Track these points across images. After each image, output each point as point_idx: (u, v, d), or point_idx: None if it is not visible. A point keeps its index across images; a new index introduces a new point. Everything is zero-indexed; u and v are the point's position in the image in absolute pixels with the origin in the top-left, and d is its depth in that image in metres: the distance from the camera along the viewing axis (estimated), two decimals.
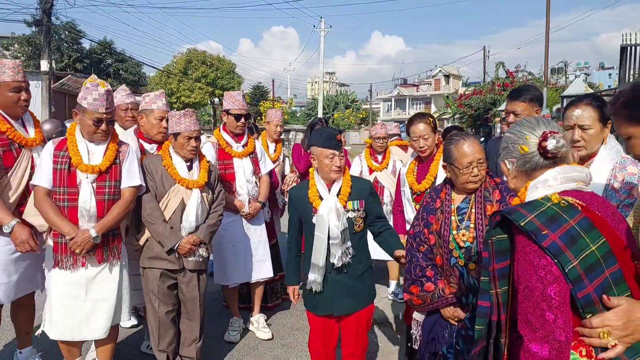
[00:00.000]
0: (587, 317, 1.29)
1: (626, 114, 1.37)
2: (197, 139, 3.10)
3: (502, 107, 15.12)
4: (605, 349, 1.27)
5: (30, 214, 2.82)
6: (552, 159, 1.49)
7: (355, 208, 2.67)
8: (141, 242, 3.13)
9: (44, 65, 17.36)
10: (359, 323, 2.75)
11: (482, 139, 12.04)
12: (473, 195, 2.36)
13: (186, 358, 3.23)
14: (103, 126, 2.77)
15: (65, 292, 2.78)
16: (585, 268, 1.27)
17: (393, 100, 60.51)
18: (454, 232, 2.32)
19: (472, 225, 2.29)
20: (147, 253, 3.10)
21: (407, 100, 57.69)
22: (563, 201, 1.37)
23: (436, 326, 2.40)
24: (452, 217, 2.35)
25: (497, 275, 1.42)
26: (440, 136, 3.45)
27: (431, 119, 3.22)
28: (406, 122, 3.57)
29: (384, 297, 4.89)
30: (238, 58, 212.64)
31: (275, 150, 5.02)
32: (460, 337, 2.31)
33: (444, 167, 2.42)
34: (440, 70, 54.86)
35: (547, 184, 1.45)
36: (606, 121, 2.24)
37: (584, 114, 2.23)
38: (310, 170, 2.80)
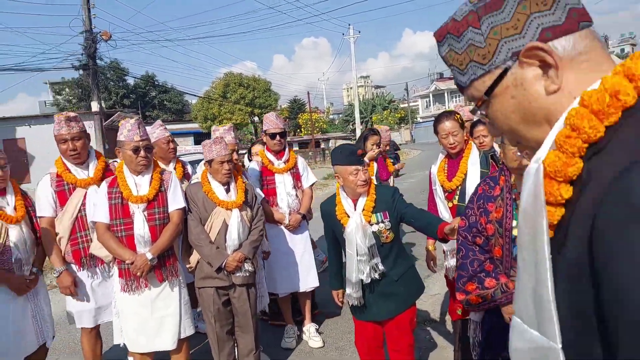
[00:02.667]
0: None
1: None
2: (229, 162, 3.30)
3: None
4: None
5: (96, 247, 3.15)
6: None
7: (379, 220, 2.71)
8: (192, 264, 3.36)
9: (95, 106, 18.49)
10: (401, 324, 2.80)
11: None
12: None
13: None
14: (142, 153, 3.03)
15: (134, 311, 3.09)
16: None
17: (431, 96, 59.71)
18: None
19: None
20: (199, 274, 3.32)
21: (446, 94, 56.72)
22: None
23: (494, 330, 2.23)
24: (517, 202, 2.16)
25: None
26: (467, 132, 3.46)
27: (458, 116, 3.23)
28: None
29: (435, 295, 4.95)
30: (273, 75, 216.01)
31: None
32: None
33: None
34: None
35: None
36: None
37: None
38: (337, 185, 2.88)
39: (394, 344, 2.84)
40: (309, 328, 4.22)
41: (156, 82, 43.36)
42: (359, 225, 2.67)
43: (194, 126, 31.80)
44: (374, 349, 2.90)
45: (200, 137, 29.92)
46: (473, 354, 2.41)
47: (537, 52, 0.72)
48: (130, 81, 43.66)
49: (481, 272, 2.21)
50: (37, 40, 78.09)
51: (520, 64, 0.74)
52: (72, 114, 3.28)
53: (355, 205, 2.75)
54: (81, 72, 28.63)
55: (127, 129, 3.03)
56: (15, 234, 2.98)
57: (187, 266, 3.40)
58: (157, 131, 3.96)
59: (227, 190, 3.35)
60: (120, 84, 42.96)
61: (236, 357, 3.49)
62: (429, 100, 60.28)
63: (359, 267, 2.68)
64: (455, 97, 54.70)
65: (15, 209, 3.04)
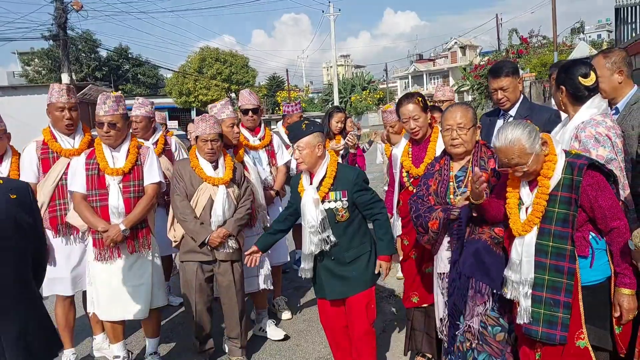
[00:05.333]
0: None
1: None
2: (214, 141, 3.30)
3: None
4: None
5: (72, 216, 3.23)
6: None
7: (337, 198, 2.76)
8: (177, 238, 3.40)
9: (65, 78, 18.02)
10: (356, 308, 2.82)
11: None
12: (470, 163, 2.55)
13: (232, 339, 3.49)
14: (105, 128, 3.13)
15: (106, 280, 3.17)
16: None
17: (410, 77, 59.86)
18: (451, 196, 2.54)
19: (468, 192, 2.42)
20: (184, 248, 3.37)
21: (425, 76, 56.99)
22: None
23: (455, 282, 2.52)
24: (450, 184, 2.56)
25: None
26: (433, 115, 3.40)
27: (420, 99, 3.05)
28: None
29: (401, 279, 5.10)
30: (252, 52, 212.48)
31: None
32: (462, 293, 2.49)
33: None
34: (455, 42, 53.91)
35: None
36: (557, 87, 2.53)
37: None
38: None
39: (351, 327, 2.89)
40: (278, 301, 4.37)
41: (130, 55, 42.23)
42: (311, 198, 2.77)
43: (168, 101, 31.18)
44: (339, 328, 2.96)
45: (175, 113, 29.41)
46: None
47: None
48: (103, 53, 42.44)
49: (429, 210, 2.59)
50: (5, 9, 74.65)
51: None
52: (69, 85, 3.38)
53: (312, 180, 2.84)
54: (51, 42, 27.73)
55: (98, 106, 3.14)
56: None
57: (172, 239, 3.45)
58: (135, 109, 4.10)
59: (215, 167, 3.37)
60: (92, 56, 41.67)
61: (224, 335, 3.58)
62: (408, 82, 60.42)
63: (310, 238, 2.77)
64: (434, 79, 54.99)
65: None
